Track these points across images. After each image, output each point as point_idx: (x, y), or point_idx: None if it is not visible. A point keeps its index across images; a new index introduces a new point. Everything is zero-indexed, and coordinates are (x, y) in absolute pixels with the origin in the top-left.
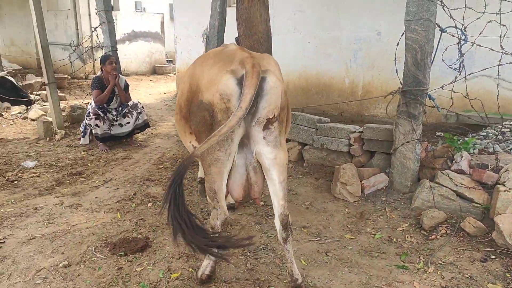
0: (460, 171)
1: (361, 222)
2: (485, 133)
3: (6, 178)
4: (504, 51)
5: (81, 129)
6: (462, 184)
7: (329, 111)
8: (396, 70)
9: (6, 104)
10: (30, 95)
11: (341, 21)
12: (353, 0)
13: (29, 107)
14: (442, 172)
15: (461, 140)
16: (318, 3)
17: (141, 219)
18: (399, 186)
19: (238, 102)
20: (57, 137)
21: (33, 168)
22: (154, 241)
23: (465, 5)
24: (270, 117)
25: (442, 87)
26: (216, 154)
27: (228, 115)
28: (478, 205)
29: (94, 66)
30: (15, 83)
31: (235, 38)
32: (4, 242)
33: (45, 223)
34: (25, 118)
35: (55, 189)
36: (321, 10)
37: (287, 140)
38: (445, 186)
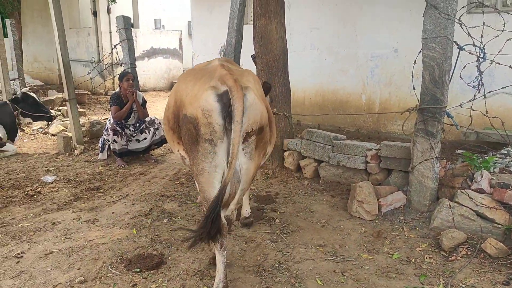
0: (481, 191)
1: (378, 242)
2: (505, 152)
3: (26, 192)
4: None
5: (100, 144)
6: (482, 204)
7: (346, 128)
8: (414, 88)
9: (28, 119)
10: (51, 110)
11: (358, 37)
12: (369, 17)
13: (50, 122)
14: (461, 191)
15: (481, 159)
16: (334, 20)
17: (157, 235)
18: (418, 205)
19: (221, 117)
20: (76, 152)
21: (52, 182)
22: (169, 257)
23: (483, 23)
24: (249, 131)
25: (460, 105)
26: (202, 165)
27: (210, 128)
28: (500, 226)
29: (113, 82)
30: (37, 99)
31: (252, 56)
32: (22, 256)
33: (63, 238)
34: (45, 133)
35: (73, 204)
36: (338, 27)
37: (303, 157)
38: (465, 206)
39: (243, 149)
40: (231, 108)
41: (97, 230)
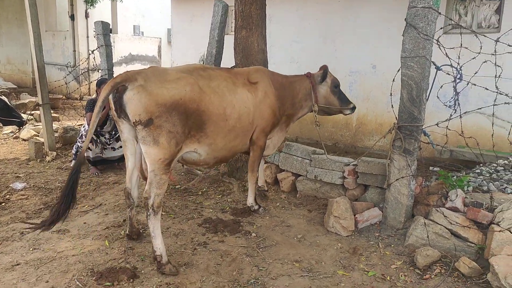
0: (455, 209)
1: (354, 258)
2: (479, 171)
3: None
4: (499, 91)
5: (73, 151)
6: (456, 223)
7: (323, 141)
8: (392, 105)
9: None
10: (23, 115)
11: (337, 53)
12: (349, 34)
13: (21, 127)
14: (436, 210)
15: (455, 177)
16: (314, 35)
17: (130, 247)
18: (393, 221)
19: (113, 105)
20: (48, 158)
21: (22, 190)
22: (142, 271)
23: (461, 44)
24: (135, 121)
25: (437, 124)
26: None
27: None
28: (473, 245)
29: (89, 87)
30: (8, 103)
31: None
32: None
33: (31, 249)
34: (16, 137)
35: (43, 213)
36: (318, 42)
37: (281, 170)
38: (440, 224)
39: (138, 135)
40: (116, 99)
41: (67, 241)
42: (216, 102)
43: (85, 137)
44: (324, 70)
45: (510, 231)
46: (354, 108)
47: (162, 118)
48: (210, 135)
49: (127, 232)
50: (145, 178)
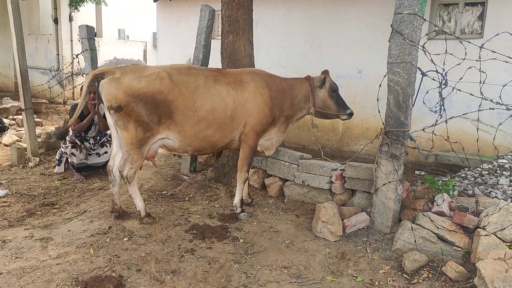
0: (441, 213)
1: (342, 263)
2: (464, 175)
3: None
4: (483, 97)
5: (57, 157)
6: (443, 227)
7: (310, 146)
8: (379, 111)
9: None
10: (4, 121)
11: (323, 58)
12: (335, 38)
13: (3, 133)
14: (423, 214)
15: (441, 181)
16: (301, 40)
17: (115, 255)
18: (380, 226)
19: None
20: (30, 164)
21: (3, 197)
22: (128, 279)
23: (446, 50)
24: (108, 106)
25: (423, 130)
26: None
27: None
28: (460, 249)
29: (73, 92)
30: None
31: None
32: None
33: (13, 258)
34: None
35: (25, 221)
36: (304, 46)
37: (268, 175)
38: (426, 228)
39: (112, 119)
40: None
41: (51, 250)
42: (187, 94)
43: (69, 142)
44: (324, 74)
45: (495, 235)
46: (351, 114)
47: (129, 106)
48: (179, 123)
49: (111, 209)
50: None
